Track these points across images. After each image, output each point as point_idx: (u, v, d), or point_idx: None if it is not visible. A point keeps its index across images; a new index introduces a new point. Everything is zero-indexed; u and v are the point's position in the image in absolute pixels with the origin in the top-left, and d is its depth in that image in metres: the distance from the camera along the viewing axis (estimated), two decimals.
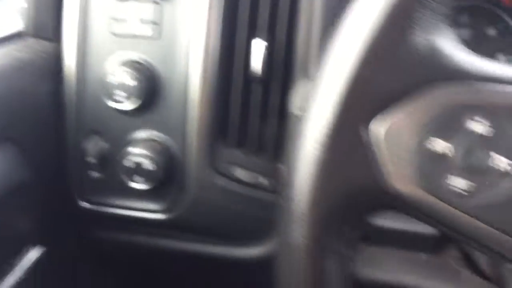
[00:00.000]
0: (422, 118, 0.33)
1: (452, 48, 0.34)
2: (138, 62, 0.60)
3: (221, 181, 0.64)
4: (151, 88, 0.60)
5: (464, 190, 0.32)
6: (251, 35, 0.60)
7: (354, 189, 0.34)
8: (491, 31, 0.79)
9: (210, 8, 0.59)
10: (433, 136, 0.33)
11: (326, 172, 0.34)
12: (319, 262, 0.35)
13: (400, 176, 0.33)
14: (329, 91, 0.34)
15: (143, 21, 0.59)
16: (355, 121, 0.33)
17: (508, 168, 0.32)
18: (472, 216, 0.32)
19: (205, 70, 0.59)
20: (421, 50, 0.33)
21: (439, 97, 0.33)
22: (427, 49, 0.33)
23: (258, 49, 0.59)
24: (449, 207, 0.32)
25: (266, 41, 0.58)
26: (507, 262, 0.34)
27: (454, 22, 0.80)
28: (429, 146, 0.33)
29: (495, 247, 0.32)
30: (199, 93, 0.60)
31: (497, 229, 0.32)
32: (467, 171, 0.32)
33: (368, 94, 0.33)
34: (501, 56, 0.79)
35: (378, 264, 0.75)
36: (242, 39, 0.60)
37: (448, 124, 0.33)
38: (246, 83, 0.61)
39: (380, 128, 0.33)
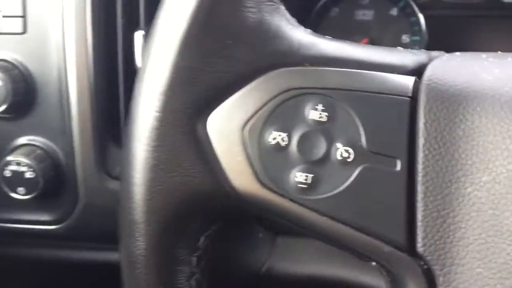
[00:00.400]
0: (259, 109, 0.30)
1: (287, 30, 0.31)
2: (4, 61, 0.54)
3: (114, 185, 0.59)
4: (22, 89, 0.54)
5: (304, 183, 0.30)
6: (132, 26, 0.56)
7: (194, 193, 0.30)
8: (394, 11, 0.78)
9: None
10: (268, 127, 0.30)
11: (159, 176, 0.30)
12: (164, 275, 0.31)
13: (240, 175, 0.30)
14: (151, 87, 0.30)
15: (6, 16, 0.54)
16: (188, 117, 0.30)
17: (345, 155, 0.29)
18: (313, 210, 0.29)
19: (82, 66, 0.54)
20: (253, 34, 0.30)
21: (274, 84, 0.30)
22: (260, 33, 0.30)
23: (140, 40, 0.55)
24: (292, 203, 0.30)
25: (145, 31, 0.54)
26: (357, 256, 0.31)
27: (357, 4, 0.79)
28: (267, 139, 0.30)
29: (341, 241, 0.30)
30: (78, 91, 0.55)
31: (338, 221, 0.29)
32: (305, 162, 0.30)
33: (199, 87, 0.29)
34: (405, 37, 0.79)
35: (294, 256, 0.73)
36: (123, 30, 0.56)
37: (283, 113, 0.30)
38: (132, 77, 0.57)
39: (216, 124, 0.30)
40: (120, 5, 0.55)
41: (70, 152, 0.57)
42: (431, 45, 0.78)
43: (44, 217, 0.61)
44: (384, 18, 0.79)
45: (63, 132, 0.57)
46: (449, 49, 0.84)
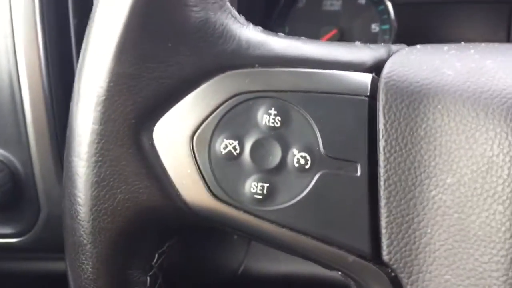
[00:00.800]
0: (207, 116, 0.28)
1: (234, 29, 0.29)
2: None
3: None
4: None
5: (260, 194, 0.28)
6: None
7: (142, 210, 0.28)
8: (362, 0, 0.77)
9: None
10: (222, 135, 0.28)
11: (102, 194, 0.27)
12: None
13: (190, 188, 0.28)
14: (87, 97, 0.27)
15: None
16: (130, 128, 0.27)
17: (302, 161, 0.27)
18: (270, 221, 0.28)
19: (35, 71, 0.52)
20: (196, 35, 0.27)
21: (222, 89, 0.28)
22: (204, 33, 0.28)
23: None
24: (248, 215, 0.28)
25: None
26: (322, 266, 0.29)
27: None
28: (218, 148, 0.28)
29: (302, 252, 0.28)
30: (31, 97, 0.52)
31: (298, 232, 0.27)
32: (259, 171, 0.28)
33: (139, 95, 0.27)
34: (375, 26, 0.77)
35: (271, 256, 0.72)
36: (76, 31, 0.53)
37: (233, 119, 0.28)
38: None
39: (162, 134, 0.28)
40: (71, 5, 0.53)
41: (27, 162, 0.55)
42: (401, 33, 0.76)
43: (6, 230, 0.58)
44: (352, 8, 0.77)
45: (19, 141, 0.54)
46: (420, 36, 0.83)
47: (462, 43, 0.32)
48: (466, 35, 0.77)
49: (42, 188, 0.55)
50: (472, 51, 0.31)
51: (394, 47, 0.32)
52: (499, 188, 0.25)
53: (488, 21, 0.77)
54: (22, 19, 0.51)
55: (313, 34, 0.76)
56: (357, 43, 0.32)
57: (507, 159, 0.25)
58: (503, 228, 0.24)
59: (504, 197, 0.24)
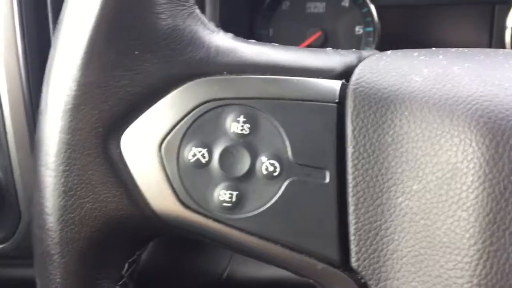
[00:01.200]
0: (175, 124, 0.28)
1: (203, 36, 0.29)
2: None
3: None
4: None
5: (229, 202, 0.28)
6: None
7: (111, 220, 0.28)
8: (345, 2, 0.77)
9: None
10: (185, 143, 0.28)
11: (70, 204, 0.27)
12: None
13: (159, 196, 0.28)
14: (54, 106, 0.27)
15: None
16: (97, 137, 0.27)
17: (271, 169, 0.28)
18: (239, 229, 0.28)
19: (14, 77, 0.51)
20: (164, 42, 0.27)
21: (190, 96, 0.28)
22: (172, 41, 0.28)
23: None
24: (217, 223, 0.28)
25: None
26: (292, 272, 0.30)
27: None
28: (187, 156, 0.28)
29: (271, 260, 0.28)
30: (11, 104, 0.52)
31: (267, 239, 0.27)
32: (228, 179, 0.28)
33: (106, 104, 0.27)
34: (359, 29, 0.77)
35: (256, 260, 0.72)
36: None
37: (202, 127, 0.28)
38: None
39: (130, 143, 0.28)
40: (50, 11, 0.52)
41: (8, 169, 0.54)
42: (385, 36, 0.77)
43: None
44: (336, 10, 0.77)
45: None
46: (404, 38, 0.83)
47: (433, 48, 0.33)
48: (449, 37, 0.77)
49: (23, 195, 0.55)
50: (440, 56, 0.31)
51: (365, 53, 0.32)
52: (463, 195, 0.25)
53: (471, 23, 0.77)
54: (2, 23, 0.51)
55: (298, 37, 0.76)
56: (328, 49, 0.32)
57: (471, 165, 0.25)
58: (467, 235, 0.24)
59: (468, 204, 0.25)
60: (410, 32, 0.79)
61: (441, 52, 0.31)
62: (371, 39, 0.77)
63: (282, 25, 0.78)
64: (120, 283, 0.29)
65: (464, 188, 0.25)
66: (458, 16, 0.77)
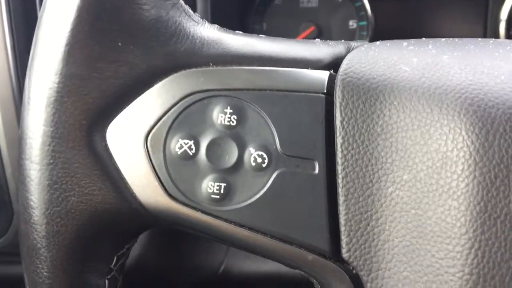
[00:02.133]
0: (162, 116, 0.27)
1: (188, 28, 0.28)
2: None
3: None
4: None
5: (217, 194, 0.27)
6: None
7: (97, 213, 0.27)
8: None
9: None
10: (172, 135, 0.28)
11: (55, 197, 0.27)
12: None
13: (146, 189, 0.27)
14: (37, 99, 0.27)
15: None
16: (81, 130, 0.27)
17: (259, 160, 0.27)
18: (228, 221, 0.27)
19: (4, 75, 0.51)
20: (147, 34, 0.27)
21: (176, 88, 0.27)
22: (156, 32, 0.27)
23: None
24: (205, 215, 0.27)
25: None
26: (283, 264, 0.29)
27: None
28: (173, 148, 0.28)
29: (261, 251, 0.28)
30: (1, 99, 0.51)
31: (257, 231, 0.27)
32: (215, 171, 0.28)
33: (89, 96, 0.27)
34: (352, 23, 0.77)
35: (251, 255, 0.71)
36: None
37: (188, 118, 0.28)
38: None
39: (116, 135, 0.27)
40: (38, 4, 0.52)
41: None
42: (379, 30, 0.76)
43: None
44: (329, 5, 0.77)
45: None
46: (398, 32, 0.83)
47: (423, 38, 0.32)
48: (444, 30, 0.77)
49: (15, 191, 0.55)
50: (430, 46, 0.31)
51: (354, 43, 0.31)
52: (454, 184, 0.24)
53: (466, 16, 0.77)
54: None
55: (291, 31, 0.76)
56: (317, 40, 0.32)
57: (461, 154, 0.24)
58: (458, 224, 0.24)
59: (459, 193, 0.24)
60: (404, 25, 0.78)
61: (430, 42, 0.31)
62: (364, 33, 0.76)
63: (275, 19, 0.78)
64: (108, 276, 0.29)
65: (455, 177, 0.25)
66: (452, 10, 0.77)
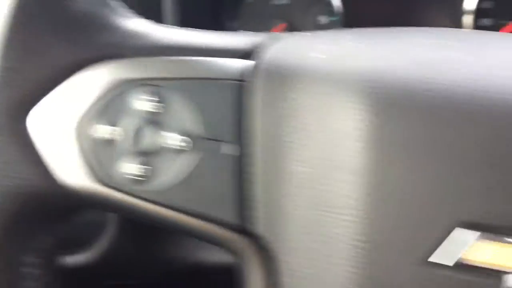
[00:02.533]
0: (82, 102, 0.30)
1: (114, 21, 0.30)
2: None
3: None
4: None
5: (139, 176, 0.30)
6: None
7: (22, 194, 0.30)
8: None
9: None
10: (98, 121, 0.30)
11: None
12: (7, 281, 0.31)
13: (71, 173, 0.30)
14: None
15: None
16: (8, 118, 0.29)
17: (182, 144, 0.29)
18: (151, 202, 0.29)
19: None
20: (74, 27, 0.29)
21: (99, 77, 0.30)
22: (82, 25, 0.29)
23: None
24: (127, 196, 0.30)
25: None
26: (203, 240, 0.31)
27: None
28: (93, 133, 0.30)
29: (183, 229, 0.30)
30: None
31: (178, 211, 0.29)
32: (140, 155, 0.30)
33: (17, 87, 0.29)
34: (323, 19, 0.79)
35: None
36: None
37: (113, 106, 0.30)
38: None
39: (39, 122, 0.30)
40: None
41: None
42: (350, 25, 0.78)
43: None
44: (301, 1, 0.79)
45: None
46: (370, 27, 0.84)
47: (353, 28, 0.34)
48: (418, 24, 0.78)
49: None
50: (349, 36, 0.33)
51: (276, 34, 0.34)
52: (352, 160, 0.26)
53: (440, 8, 0.79)
54: None
55: (263, 29, 0.78)
56: (241, 31, 0.34)
57: (357, 133, 0.26)
58: (354, 196, 0.26)
59: (356, 168, 0.26)
60: (376, 20, 0.80)
61: (351, 31, 0.33)
62: (336, 28, 0.78)
63: (247, 18, 0.79)
64: (43, 255, 0.31)
65: (351, 153, 0.26)
66: (426, 3, 0.78)
